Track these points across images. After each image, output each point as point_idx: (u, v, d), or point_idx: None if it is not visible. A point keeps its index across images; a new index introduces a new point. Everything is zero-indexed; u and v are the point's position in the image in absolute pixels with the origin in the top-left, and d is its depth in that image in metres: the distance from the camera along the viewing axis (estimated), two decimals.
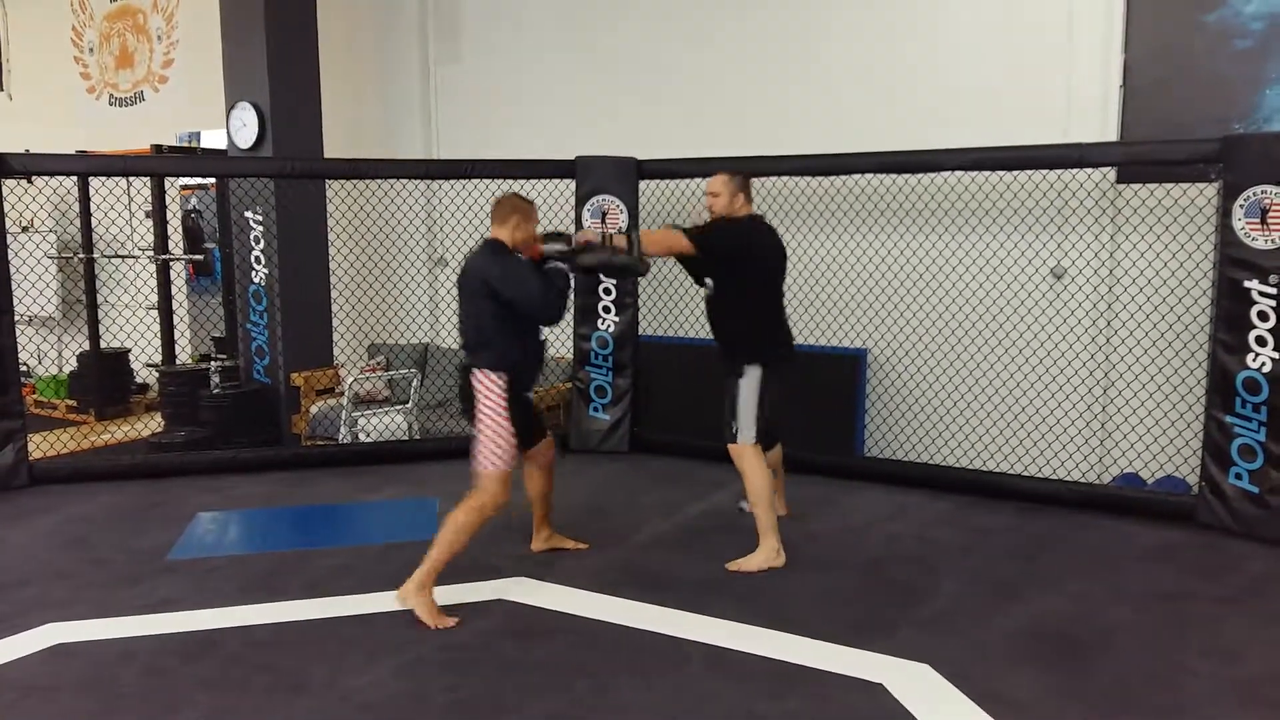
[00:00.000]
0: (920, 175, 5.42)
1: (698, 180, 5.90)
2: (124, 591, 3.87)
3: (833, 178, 5.60)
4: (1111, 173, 5.05)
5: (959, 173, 5.24)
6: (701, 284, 4.25)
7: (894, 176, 5.49)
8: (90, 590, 3.87)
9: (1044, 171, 5.04)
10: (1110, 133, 5.06)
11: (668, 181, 6.01)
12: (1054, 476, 5.18)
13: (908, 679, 3.11)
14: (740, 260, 4.15)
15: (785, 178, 5.70)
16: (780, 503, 4.55)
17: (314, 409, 6.59)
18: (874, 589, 3.90)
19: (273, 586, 3.88)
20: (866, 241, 5.71)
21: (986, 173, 5.15)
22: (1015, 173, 5.08)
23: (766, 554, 4.09)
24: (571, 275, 3.87)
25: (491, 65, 7.02)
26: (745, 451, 4.13)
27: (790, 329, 4.42)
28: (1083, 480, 5.15)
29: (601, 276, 5.69)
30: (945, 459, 5.55)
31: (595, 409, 5.98)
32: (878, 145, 5.35)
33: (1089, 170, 5.00)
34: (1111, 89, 5.05)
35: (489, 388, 3.70)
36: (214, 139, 7.52)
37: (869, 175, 5.48)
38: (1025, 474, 5.23)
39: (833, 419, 5.78)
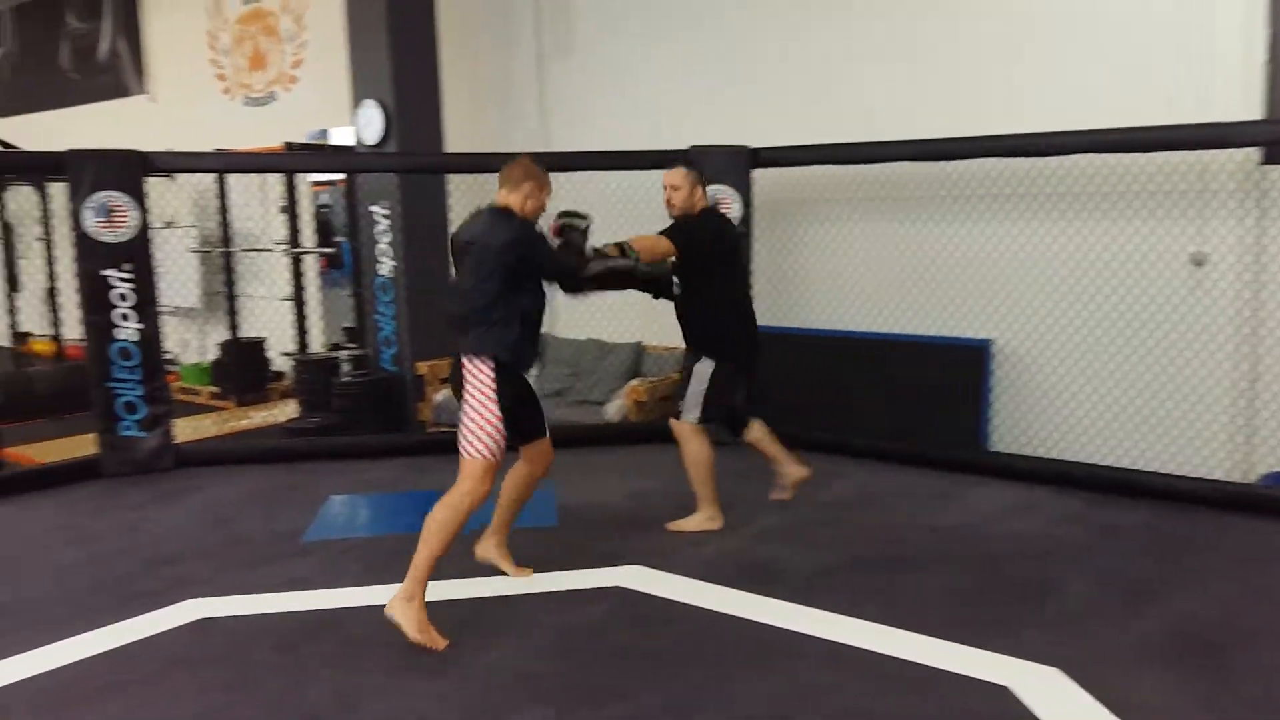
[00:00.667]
0: (1049, 159, 5.20)
1: (814, 168, 5.83)
2: (261, 570, 4.06)
3: (954, 163, 5.43)
4: (1256, 153, 4.75)
5: (1090, 156, 5.01)
6: (660, 295, 4.14)
7: (1019, 161, 5.28)
8: (231, 568, 4.08)
9: (1182, 153, 4.77)
10: (1254, 111, 4.75)
11: (782, 170, 5.93)
12: (1193, 474, 4.92)
13: (1036, 682, 3.01)
14: (712, 254, 4.26)
15: (901, 163, 5.55)
16: (795, 464, 4.66)
17: (437, 397, 6.78)
18: (997, 587, 3.78)
19: (398, 568, 3.98)
20: (990, 228, 5.53)
21: (1119, 155, 4.91)
22: (1151, 155, 4.83)
23: (702, 519, 4.45)
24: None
25: (603, 57, 7.07)
26: (686, 430, 4.40)
27: (755, 318, 4.58)
28: (1225, 479, 4.88)
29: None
30: (1075, 454, 5.33)
31: None
32: (998, 129, 5.16)
33: (1231, 151, 4.72)
34: (1255, 65, 4.74)
35: (479, 368, 3.38)
36: (341, 136, 7.80)
37: (991, 160, 5.29)
38: (1161, 471, 4.98)
39: (955, 411, 5.62)
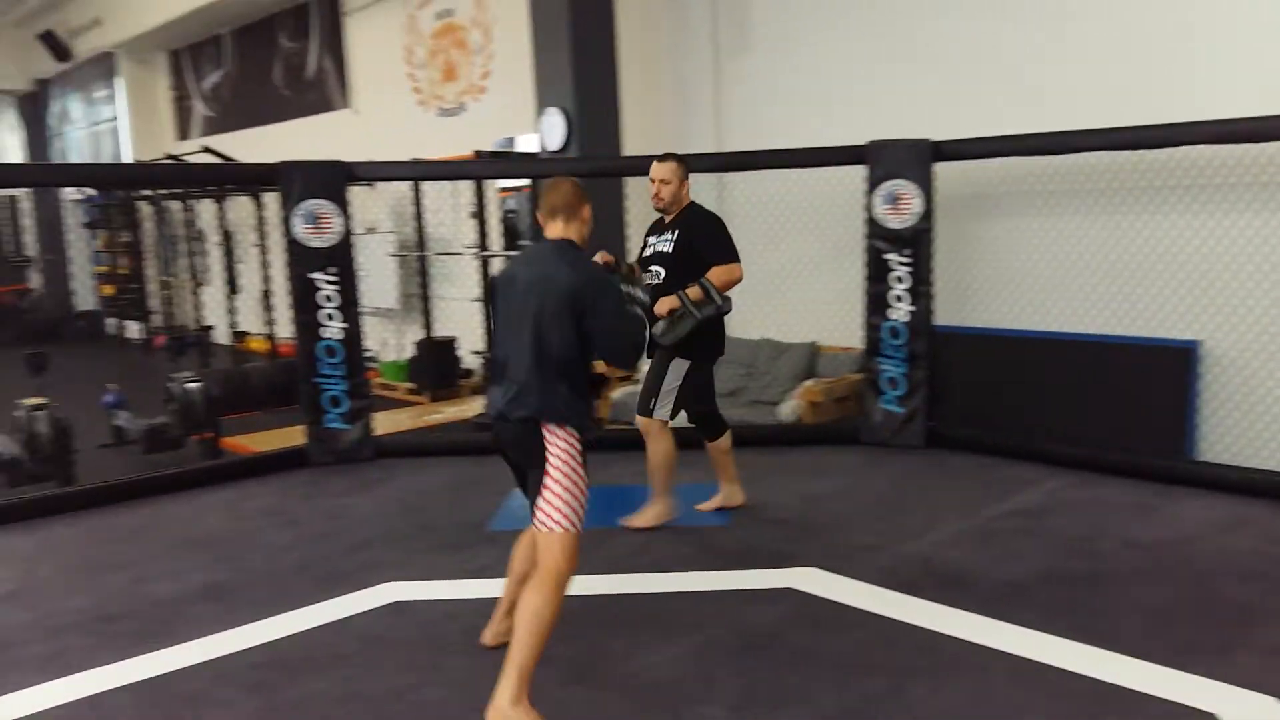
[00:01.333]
0: (1263, 145, 4.78)
1: (999, 161, 5.59)
2: (450, 557, 4.27)
3: (1153, 151, 5.07)
4: None
5: None
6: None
7: (1228, 147, 4.88)
8: (422, 554, 4.30)
9: None
10: None
11: (965, 163, 5.71)
12: None
13: (1247, 712, 2.78)
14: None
15: (1095, 154, 5.23)
16: (739, 490, 4.76)
17: (615, 395, 6.91)
18: (1204, 607, 3.52)
19: (581, 558, 4.13)
20: (1198, 221, 5.13)
21: None
22: None
23: (659, 511, 4.49)
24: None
25: (779, 54, 7.01)
26: (656, 426, 4.39)
27: None
28: None
29: None
30: None
31: (887, 401, 5.82)
32: (1203, 114, 4.77)
33: None
34: None
35: (564, 436, 2.86)
36: (526, 143, 8.08)
37: (1198, 147, 4.91)
38: None
39: (1157, 417, 5.26)
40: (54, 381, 6.40)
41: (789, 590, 3.79)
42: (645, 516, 4.53)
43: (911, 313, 5.66)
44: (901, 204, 5.55)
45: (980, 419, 5.75)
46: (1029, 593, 3.69)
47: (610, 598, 3.74)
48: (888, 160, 5.56)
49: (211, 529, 4.80)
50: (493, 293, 3.09)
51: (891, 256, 5.62)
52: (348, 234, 5.73)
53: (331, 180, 5.65)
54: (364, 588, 3.91)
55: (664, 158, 4.42)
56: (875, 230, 5.66)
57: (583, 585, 3.81)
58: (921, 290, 5.62)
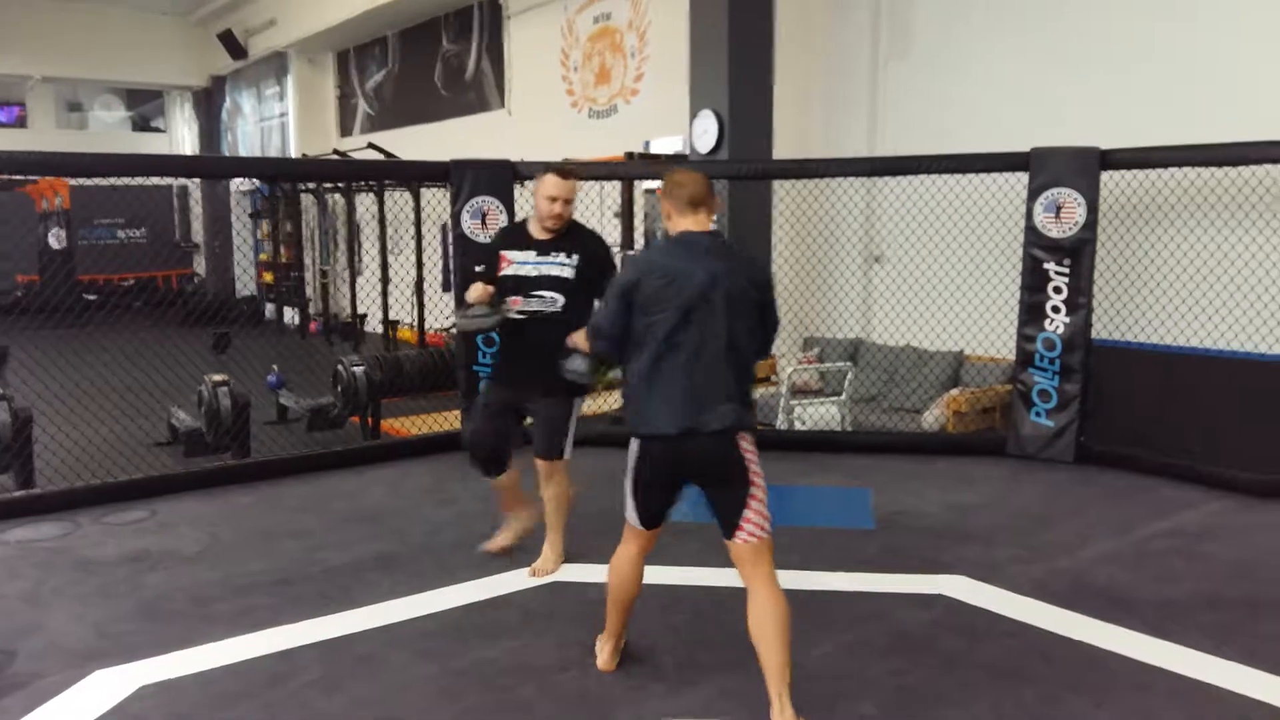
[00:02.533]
0: None
1: (1172, 171, 5.41)
2: (608, 541, 4.37)
3: None
4: None
5: None
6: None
7: None
8: (580, 537, 4.39)
9: None
10: None
11: (1134, 172, 5.55)
12: None
13: None
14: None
15: (1275, 167, 5.02)
16: (530, 516, 4.32)
17: (758, 393, 6.98)
18: None
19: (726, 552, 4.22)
20: None
21: None
22: None
23: (553, 557, 4.08)
24: None
25: (941, 58, 6.94)
26: (562, 466, 4.02)
27: None
28: None
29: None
30: None
31: (1037, 414, 5.71)
32: None
33: None
34: None
35: (750, 444, 2.83)
36: (659, 146, 8.23)
37: None
38: None
39: None
40: (217, 362, 6.90)
41: (939, 596, 3.80)
42: (547, 563, 4.08)
43: (1068, 325, 5.54)
44: (1064, 213, 5.44)
45: (1135, 437, 5.58)
46: (1190, 614, 3.60)
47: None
48: (1052, 168, 5.46)
49: (376, 504, 5.10)
50: (633, 294, 2.77)
51: (1050, 266, 5.52)
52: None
53: (499, 178, 5.90)
54: (522, 566, 4.10)
55: (565, 173, 3.80)
56: (1034, 239, 5.56)
57: (733, 578, 3.91)
58: (1080, 302, 5.49)
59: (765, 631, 2.73)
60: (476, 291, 3.82)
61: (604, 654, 3.21)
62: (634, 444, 2.89)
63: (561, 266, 3.83)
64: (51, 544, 4.56)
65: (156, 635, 3.55)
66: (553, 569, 4.04)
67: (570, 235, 3.88)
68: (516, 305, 3.84)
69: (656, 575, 3.98)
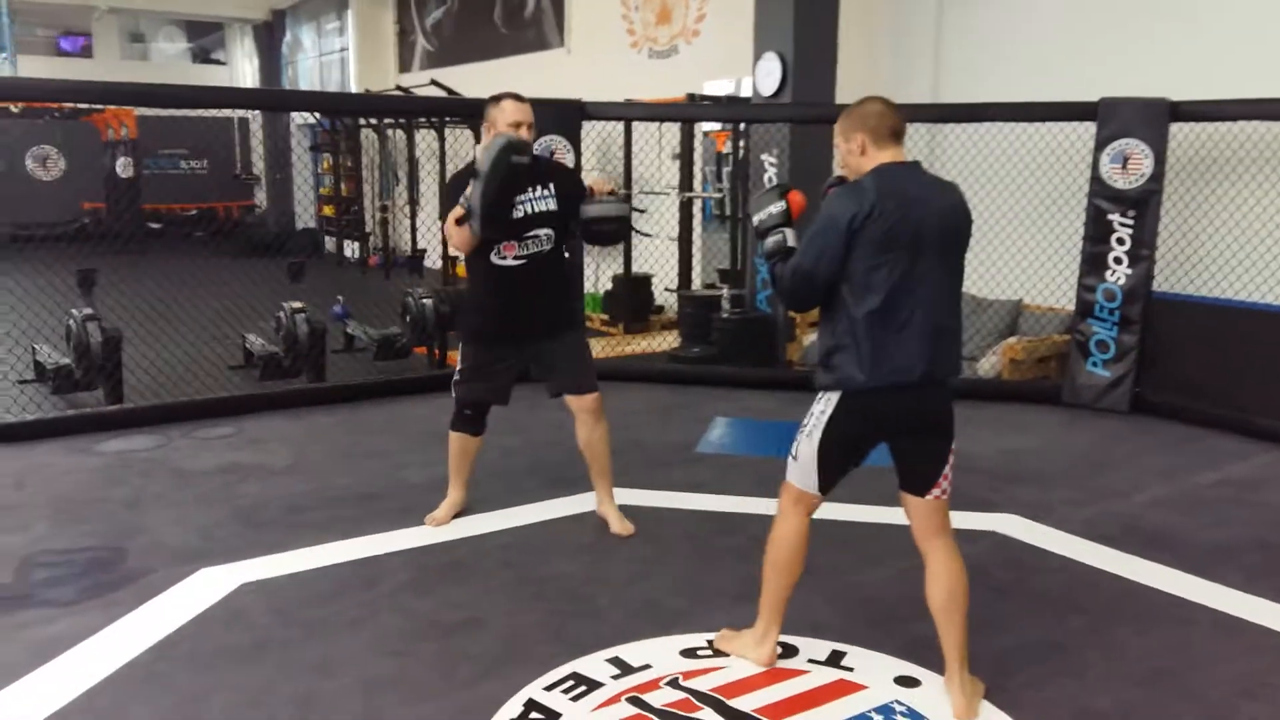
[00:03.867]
0: None
1: (1242, 124, 5.39)
2: (662, 473, 4.62)
3: None
4: None
5: None
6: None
7: None
8: (637, 468, 4.66)
9: None
10: None
11: (1205, 125, 5.53)
12: None
13: None
14: None
15: None
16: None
17: (807, 340, 7.11)
18: None
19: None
20: None
21: None
22: None
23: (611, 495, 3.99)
24: None
25: (1007, 3, 6.88)
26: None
27: None
28: None
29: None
30: None
31: (1094, 364, 5.79)
32: None
33: None
34: None
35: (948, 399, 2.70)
36: (714, 88, 8.26)
37: None
38: None
39: None
40: (282, 291, 7.12)
41: (991, 533, 3.95)
42: None
43: (1129, 276, 5.58)
44: (1131, 164, 5.45)
45: (1191, 389, 5.64)
46: (1236, 556, 3.73)
47: (818, 522, 4.00)
48: (1120, 118, 5.46)
49: (448, 428, 5.33)
50: (857, 228, 2.48)
51: (1114, 218, 5.55)
52: (577, 168, 6.11)
53: (567, 118, 6.03)
54: (589, 491, 4.31)
55: (518, 96, 3.61)
56: (1099, 190, 5.59)
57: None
58: (1143, 254, 5.53)
59: (954, 605, 2.63)
60: (599, 183, 3.70)
61: (765, 648, 2.87)
62: (832, 398, 2.60)
63: (545, 199, 3.61)
64: (147, 455, 4.86)
65: (254, 539, 3.82)
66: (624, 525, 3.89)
67: (540, 167, 3.67)
68: (512, 252, 3.58)
69: (712, 503, 4.21)
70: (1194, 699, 2.76)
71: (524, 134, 3.51)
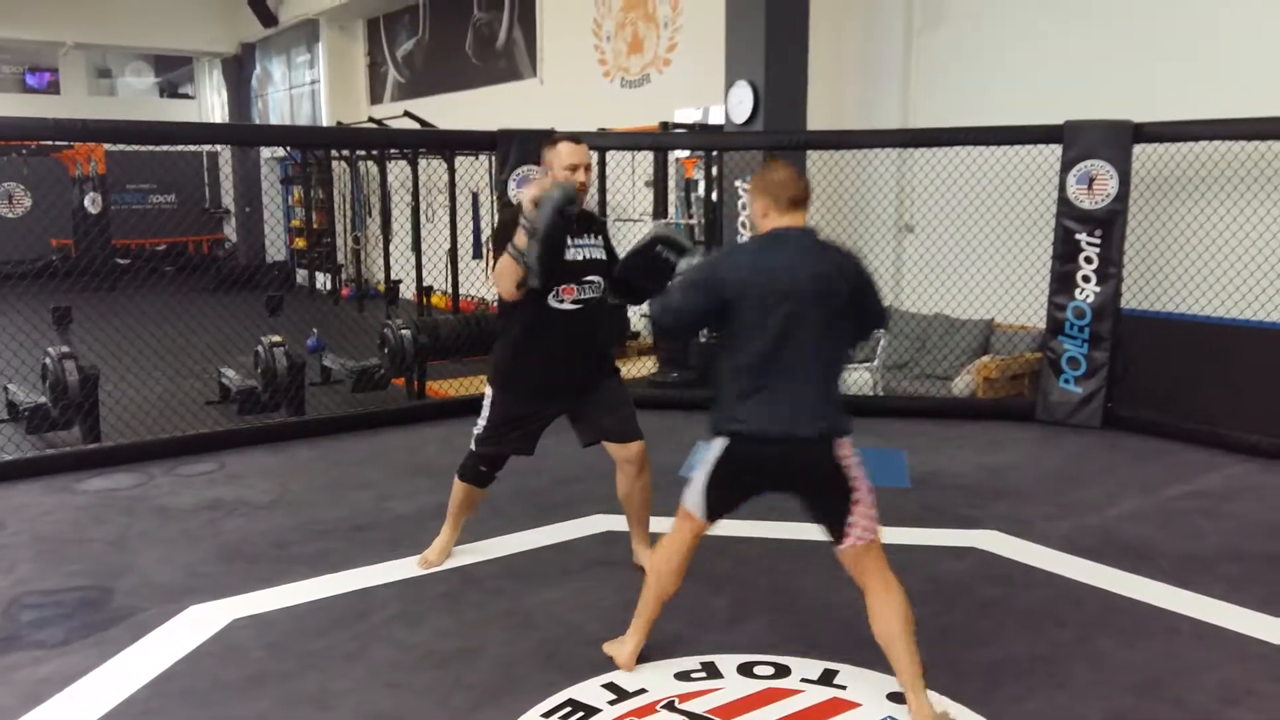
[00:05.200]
0: None
1: (1203, 144, 5.54)
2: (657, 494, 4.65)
3: None
4: None
5: None
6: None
7: None
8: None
9: None
10: None
11: (1168, 146, 5.69)
12: None
13: None
14: None
15: None
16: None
17: None
18: None
19: (779, 507, 4.45)
20: None
21: None
22: None
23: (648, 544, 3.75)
24: None
25: (974, 28, 7.05)
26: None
27: None
28: None
29: None
30: None
31: (1066, 381, 5.90)
32: None
33: None
34: None
35: (849, 447, 2.77)
36: (683, 116, 8.37)
37: None
38: None
39: None
40: (255, 325, 7.12)
41: (974, 549, 4.02)
42: None
43: (1098, 294, 5.71)
44: (1097, 185, 5.60)
45: (1161, 403, 5.76)
46: (1213, 567, 3.82)
47: (801, 542, 4.04)
48: (1085, 140, 5.61)
49: (432, 459, 5.34)
50: (721, 291, 2.67)
51: (1082, 237, 5.69)
52: None
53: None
54: (576, 517, 4.35)
55: (576, 137, 3.50)
56: (1066, 210, 5.73)
57: (779, 530, 4.15)
58: (1110, 272, 5.66)
59: (893, 629, 2.69)
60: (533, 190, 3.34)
61: (626, 650, 3.03)
62: (719, 442, 2.76)
63: (596, 248, 3.51)
64: (129, 493, 4.83)
65: (243, 574, 3.81)
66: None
67: (587, 214, 3.56)
68: (570, 295, 3.43)
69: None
70: (1180, 707, 2.83)
71: (581, 176, 3.40)
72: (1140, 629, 3.31)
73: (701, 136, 7.87)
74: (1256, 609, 3.42)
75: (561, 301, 3.43)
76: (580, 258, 3.46)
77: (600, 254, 3.52)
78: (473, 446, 3.71)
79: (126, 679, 3.00)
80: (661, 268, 3.31)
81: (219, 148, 17.18)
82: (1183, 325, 5.93)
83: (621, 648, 3.06)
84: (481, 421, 3.68)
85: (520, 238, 3.23)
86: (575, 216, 3.34)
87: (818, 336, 2.68)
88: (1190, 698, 2.87)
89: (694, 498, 2.86)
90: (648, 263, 3.35)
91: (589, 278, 3.47)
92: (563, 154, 3.41)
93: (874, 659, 3.08)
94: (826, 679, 2.98)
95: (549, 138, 3.53)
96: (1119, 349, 5.79)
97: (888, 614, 2.71)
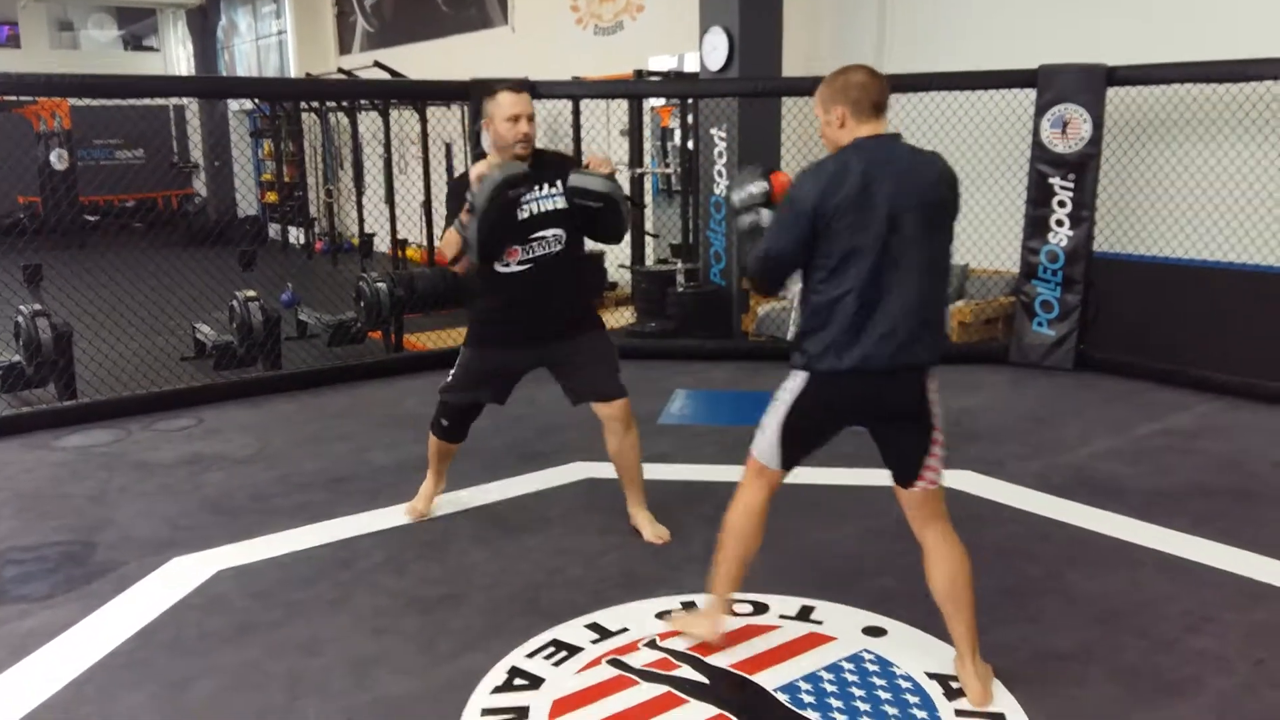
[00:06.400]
0: None
1: (1175, 87, 5.57)
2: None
3: None
4: None
5: None
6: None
7: None
8: (600, 444, 4.68)
9: None
10: None
11: (1140, 89, 5.71)
12: None
13: None
14: None
15: (1276, 82, 5.18)
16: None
17: (761, 310, 7.22)
18: None
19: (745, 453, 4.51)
20: None
21: None
22: None
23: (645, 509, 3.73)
24: None
25: None
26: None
27: None
28: None
29: None
30: None
31: (1039, 324, 5.97)
32: None
33: None
34: None
35: (936, 386, 2.59)
36: (656, 64, 8.30)
37: None
38: None
39: None
40: (229, 280, 7.07)
41: (948, 489, 4.08)
42: None
43: (1070, 237, 5.76)
44: (1070, 129, 5.62)
45: (1132, 344, 5.85)
46: (1180, 502, 3.92)
47: (790, 486, 4.11)
48: (1059, 84, 5.62)
49: (413, 410, 5.35)
50: (820, 211, 2.41)
51: (1055, 181, 5.72)
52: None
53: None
54: (559, 465, 4.39)
55: (518, 86, 3.44)
56: (1040, 154, 5.76)
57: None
58: (1083, 216, 5.71)
59: (956, 590, 2.58)
60: (595, 159, 3.45)
61: (709, 625, 2.84)
62: (801, 378, 2.56)
63: (553, 198, 3.39)
64: (107, 449, 4.83)
65: (225, 527, 3.83)
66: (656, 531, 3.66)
67: (544, 162, 3.43)
68: (515, 258, 3.37)
69: (678, 473, 4.30)
70: (1144, 636, 2.92)
71: (523, 127, 3.31)
72: (1107, 562, 3.40)
73: (676, 84, 7.82)
74: (1219, 541, 3.52)
75: (507, 265, 3.38)
76: (528, 214, 3.36)
77: (557, 203, 3.39)
78: (438, 394, 3.77)
79: (112, 630, 3.03)
80: (592, 213, 3.36)
81: (186, 101, 16.84)
82: (1154, 267, 6.00)
83: (705, 623, 2.84)
84: (452, 371, 3.71)
85: (464, 213, 3.22)
86: (521, 183, 3.26)
87: (929, 254, 2.45)
88: (1154, 627, 2.96)
89: (767, 448, 2.66)
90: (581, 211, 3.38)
91: (540, 234, 3.37)
92: (504, 104, 3.31)
93: (849, 594, 3.16)
94: (803, 615, 3.05)
95: (489, 90, 3.41)
96: (1091, 292, 5.86)
97: (950, 569, 2.58)
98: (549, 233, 3.39)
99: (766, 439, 2.67)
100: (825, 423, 2.64)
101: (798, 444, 2.65)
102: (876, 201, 2.40)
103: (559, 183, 3.40)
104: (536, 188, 3.37)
